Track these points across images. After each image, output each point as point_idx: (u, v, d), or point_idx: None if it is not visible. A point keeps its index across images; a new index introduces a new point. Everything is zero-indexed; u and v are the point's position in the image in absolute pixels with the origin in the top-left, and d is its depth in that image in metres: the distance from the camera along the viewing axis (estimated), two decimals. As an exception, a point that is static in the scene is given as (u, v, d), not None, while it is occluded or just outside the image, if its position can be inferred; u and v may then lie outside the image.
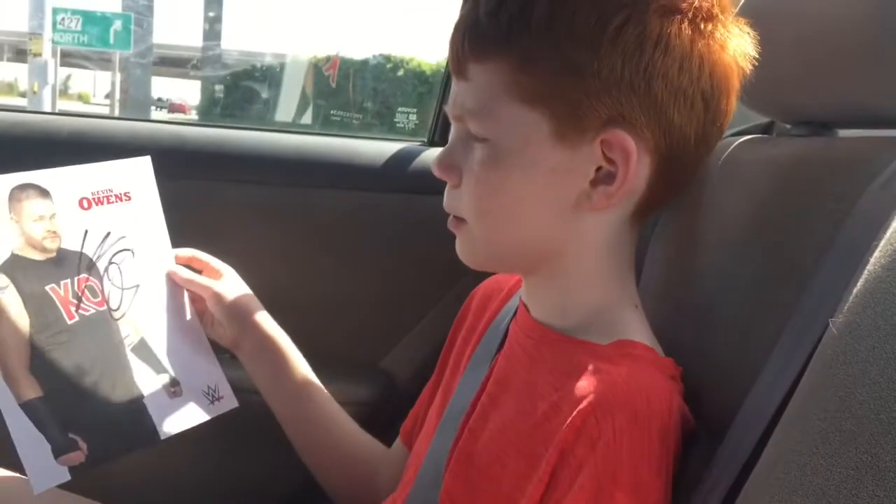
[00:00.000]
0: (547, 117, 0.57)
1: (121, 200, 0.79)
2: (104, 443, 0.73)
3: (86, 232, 0.76)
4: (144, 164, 0.82)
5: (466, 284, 0.84)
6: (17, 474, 0.89)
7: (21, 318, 0.71)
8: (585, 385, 0.54)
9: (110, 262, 0.77)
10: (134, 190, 0.80)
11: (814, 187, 0.60)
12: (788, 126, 0.75)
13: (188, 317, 0.83)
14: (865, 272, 0.44)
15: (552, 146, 0.58)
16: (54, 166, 1.21)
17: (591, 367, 0.56)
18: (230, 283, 0.85)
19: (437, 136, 1.30)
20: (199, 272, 0.85)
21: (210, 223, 1.21)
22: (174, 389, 0.79)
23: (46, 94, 8.97)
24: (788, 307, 0.54)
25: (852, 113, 0.66)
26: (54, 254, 0.74)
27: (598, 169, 0.58)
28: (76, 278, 0.75)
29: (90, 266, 0.76)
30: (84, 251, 0.76)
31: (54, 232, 0.74)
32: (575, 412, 0.53)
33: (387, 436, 0.93)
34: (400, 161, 1.22)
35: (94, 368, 0.74)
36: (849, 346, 0.41)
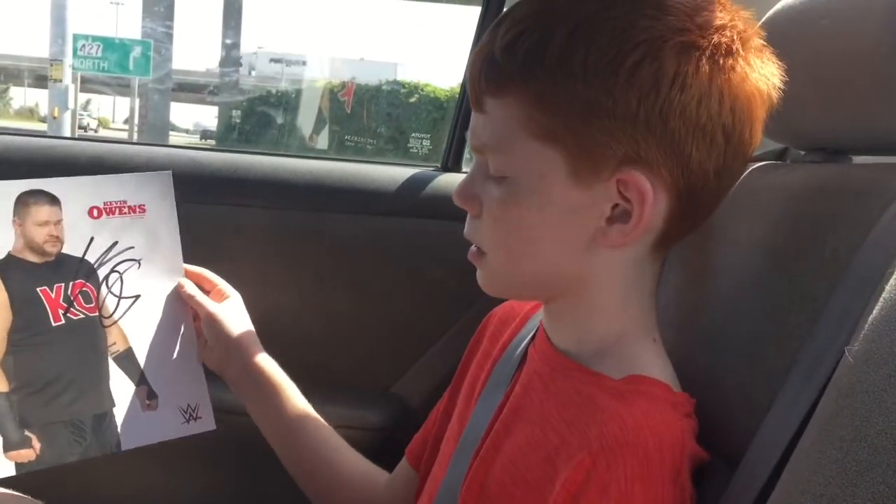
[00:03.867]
0: (562, 155, 0.57)
1: (134, 213, 0.80)
2: (59, 445, 0.74)
3: (91, 239, 0.77)
4: (164, 179, 0.82)
5: (479, 309, 0.84)
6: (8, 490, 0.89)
7: (3, 314, 0.74)
8: (596, 424, 0.54)
9: (112, 271, 0.78)
10: (150, 203, 0.81)
11: (828, 214, 0.60)
12: (802, 152, 0.75)
13: (186, 336, 0.84)
14: (881, 300, 0.44)
15: (568, 184, 0.57)
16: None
17: (603, 405, 0.55)
18: (229, 309, 0.85)
19: (451, 161, 1.30)
20: (208, 292, 0.86)
21: (224, 247, 1.22)
22: (150, 403, 0.79)
23: (66, 119, 9.09)
24: (802, 335, 0.54)
25: (867, 139, 0.66)
26: (53, 258, 0.76)
27: (615, 206, 0.58)
28: (71, 283, 0.76)
29: (89, 273, 0.77)
30: (86, 258, 0.77)
31: (56, 237, 0.76)
32: (584, 453, 0.53)
33: (398, 460, 0.92)
34: (413, 186, 1.23)
35: (69, 372, 0.76)
36: (865, 375, 0.41)
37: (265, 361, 0.85)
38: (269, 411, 0.84)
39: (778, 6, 0.71)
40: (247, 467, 1.10)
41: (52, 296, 0.75)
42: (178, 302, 0.83)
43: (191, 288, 0.84)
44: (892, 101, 0.59)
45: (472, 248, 0.64)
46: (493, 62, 0.58)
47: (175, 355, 0.82)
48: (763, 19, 0.70)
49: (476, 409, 0.70)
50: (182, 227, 1.18)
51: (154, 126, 11.73)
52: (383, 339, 1.22)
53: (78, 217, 0.77)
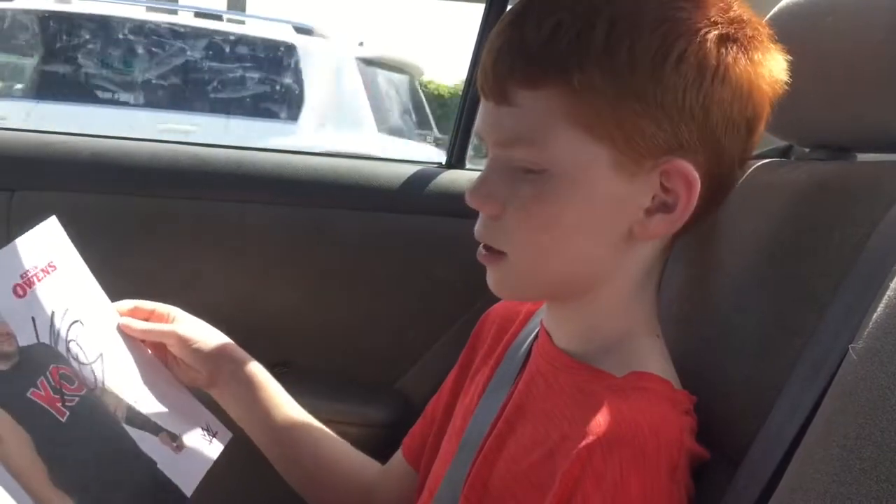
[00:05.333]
0: (606, 146, 0.57)
1: (48, 274, 0.72)
2: None
3: (33, 320, 0.69)
4: (53, 226, 0.74)
5: (483, 306, 0.84)
6: None
7: (20, 438, 0.65)
8: (594, 418, 0.54)
9: (68, 342, 0.71)
10: (55, 257, 0.73)
11: (832, 212, 0.60)
12: (807, 150, 0.75)
13: (155, 367, 0.79)
14: (885, 297, 0.44)
15: (610, 176, 0.57)
16: (79, 187, 1.23)
17: (602, 400, 0.55)
18: (188, 323, 0.81)
19: (455, 158, 1.30)
20: (147, 320, 0.81)
21: (228, 243, 1.22)
22: (176, 444, 0.75)
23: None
24: (807, 332, 0.54)
25: (871, 137, 0.66)
26: (17, 357, 0.67)
27: (652, 197, 0.58)
28: (48, 373, 0.69)
29: (55, 354, 0.70)
30: (41, 341, 0.69)
31: (7, 333, 0.67)
32: (581, 445, 0.53)
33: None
34: (417, 183, 1.23)
35: (105, 456, 0.70)
36: (869, 372, 0.41)
37: (250, 362, 0.83)
38: (261, 412, 0.82)
39: (783, 3, 0.71)
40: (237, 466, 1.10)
41: (43, 394, 0.68)
42: (132, 341, 0.78)
43: (138, 324, 0.79)
44: (898, 99, 0.59)
45: (482, 250, 0.62)
46: (528, 55, 0.57)
47: (163, 390, 0.77)
48: (768, 16, 0.70)
49: (479, 407, 0.70)
50: (185, 223, 1.18)
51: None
52: (387, 336, 1.22)
53: (8, 303, 0.68)
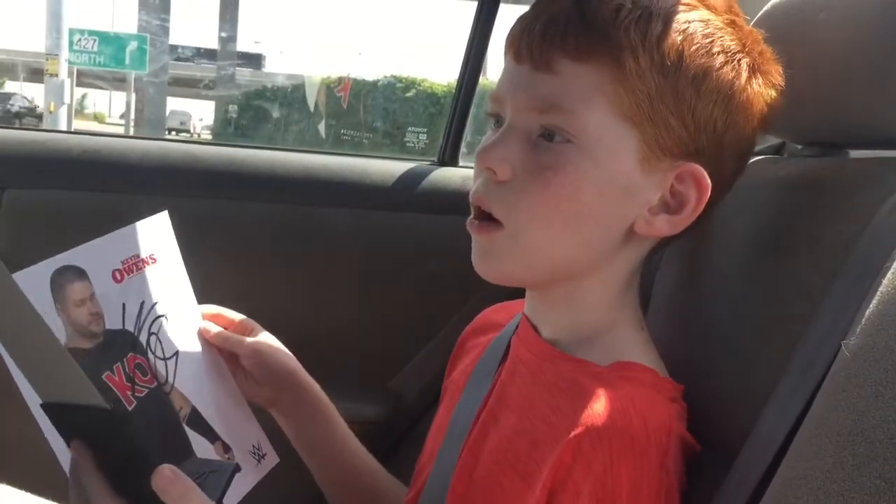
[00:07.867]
0: (634, 134, 0.58)
1: (147, 265, 0.73)
2: None
3: (123, 306, 0.70)
4: (163, 220, 0.76)
5: (475, 304, 0.84)
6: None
7: None
8: (583, 408, 0.54)
9: (150, 334, 0.72)
10: (158, 251, 0.75)
11: (825, 208, 0.60)
12: (799, 147, 0.75)
13: (224, 375, 0.79)
14: (878, 294, 0.44)
15: (632, 166, 0.58)
16: (69, 184, 1.22)
17: (589, 390, 0.56)
18: (265, 339, 0.81)
19: (448, 155, 1.30)
20: (227, 329, 0.81)
21: (219, 241, 1.22)
22: (227, 456, 0.74)
23: (62, 113, 9.07)
24: (799, 329, 0.54)
25: (863, 134, 0.66)
26: (102, 338, 0.68)
27: (659, 197, 0.60)
28: (125, 359, 0.69)
29: (134, 343, 0.71)
30: (125, 327, 0.70)
31: (97, 313, 0.68)
32: (571, 435, 0.53)
33: (394, 454, 0.91)
34: (410, 180, 1.22)
35: (164, 456, 0.67)
36: (862, 369, 0.41)
37: (315, 389, 0.82)
38: (319, 439, 0.82)
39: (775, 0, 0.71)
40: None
41: (117, 379, 0.68)
42: (208, 346, 0.78)
43: (217, 330, 0.79)
44: (890, 96, 0.59)
45: (474, 220, 0.61)
46: (585, 28, 0.57)
47: (227, 401, 0.77)
48: (760, 13, 0.70)
49: (461, 401, 0.70)
50: (175, 221, 1.17)
51: (150, 120, 11.68)
52: (379, 334, 1.22)
53: (106, 286, 0.70)
